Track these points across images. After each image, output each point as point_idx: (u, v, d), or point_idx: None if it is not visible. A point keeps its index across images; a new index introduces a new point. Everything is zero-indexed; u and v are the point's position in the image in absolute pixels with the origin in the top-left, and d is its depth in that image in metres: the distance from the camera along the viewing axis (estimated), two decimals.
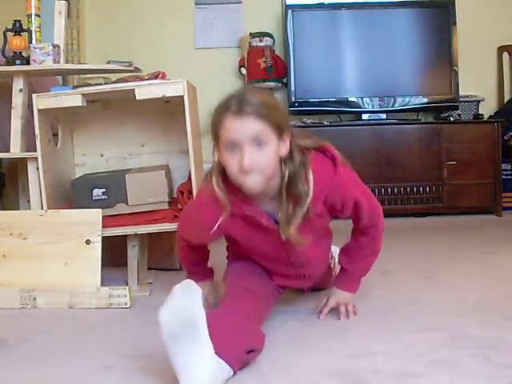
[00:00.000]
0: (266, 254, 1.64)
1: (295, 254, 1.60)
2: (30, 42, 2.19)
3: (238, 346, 1.31)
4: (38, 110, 2.05)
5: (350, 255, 1.72)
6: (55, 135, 2.24)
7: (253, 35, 4.08)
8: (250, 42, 4.08)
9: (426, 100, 3.96)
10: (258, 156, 1.38)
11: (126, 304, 1.90)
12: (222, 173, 1.47)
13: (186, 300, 1.23)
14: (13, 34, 2.19)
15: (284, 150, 1.45)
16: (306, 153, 1.49)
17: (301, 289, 1.83)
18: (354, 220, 1.66)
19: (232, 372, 1.28)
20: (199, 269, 1.84)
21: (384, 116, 3.94)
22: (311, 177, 1.46)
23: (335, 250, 1.87)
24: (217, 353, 1.24)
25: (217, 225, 1.49)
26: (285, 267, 1.67)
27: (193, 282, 1.29)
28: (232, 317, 1.39)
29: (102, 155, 2.40)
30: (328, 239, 1.78)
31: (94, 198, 2.10)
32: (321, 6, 3.97)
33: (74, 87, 2.12)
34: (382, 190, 3.81)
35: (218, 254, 1.87)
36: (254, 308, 1.52)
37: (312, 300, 1.87)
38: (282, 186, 1.47)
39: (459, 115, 4.04)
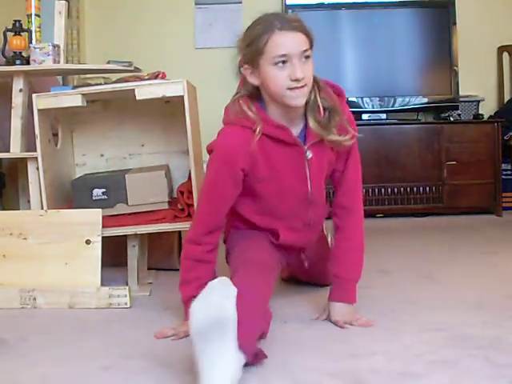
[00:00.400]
0: (287, 188, 1.63)
1: (312, 181, 1.63)
2: (30, 42, 2.19)
3: (253, 334, 1.30)
4: (38, 110, 2.05)
5: (338, 254, 1.71)
6: (55, 135, 2.24)
7: None
8: None
9: (426, 100, 3.97)
10: (306, 68, 1.48)
11: (125, 304, 1.90)
12: (250, 95, 1.56)
13: (222, 299, 1.20)
14: (13, 33, 2.19)
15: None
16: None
17: (301, 265, 1.85)
18: (341, 180, 1.70)
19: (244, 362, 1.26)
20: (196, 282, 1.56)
21: (384, 116, 3.94)
22: (334, 95, 1.60)
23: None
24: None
25: (254, 141, 1.50)
26: (298, 207, 1.67)
27: (228, 279, 1.25)
28: (247, 299, 1.33)
29: (102, 155, 2.40)
30: (326, 206, 1.80)
31: (94, 198, 2.10)
32: (321, 5, 3.97)
33: (74, 87, 2.12)
34: (382, 190, 3.81)
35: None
36: (265, 284, 1.51)
37: (312, 301, 1.87)
38: (315, 95, 1.56)
39: (459, 115, 4.04)
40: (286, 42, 1.45)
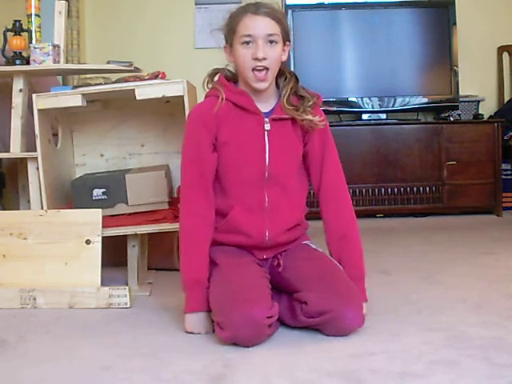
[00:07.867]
0: (244, 157, 1.67)
1: (272, 155, 1.67)
2: (30, 42, 2.19)
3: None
4: (38, 110, 2.05)
5: (335, 247, 1.71)
6: (55, 135, 2.24)
7: None
8: None
9: (425, 100, 3.97)
10: (269, 51, 1.59)
11: (126, 304, 1.90)
12: (230, 77, 1.70)
13: None
14: (13, 33, 2.19)
15: (284, 57, 1.67)
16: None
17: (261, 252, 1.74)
18: (321, 165, 1.71)
19: None
20: (202, 279, 1.63)
21: (384, 116, 3.94)
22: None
23: None
24: None
25: (218, 105, 1.63)
26: (254, 181, 1.67)
27: None
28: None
29: (102, 155, 2.40)
30: (301, 192, 1.76)
31: (94, 198, 2.10)
32: (321, 5, 3.97)
33: (74, 87, 2.12)
34: (382, 189, 3.81)
35: None
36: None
37: None
38: (289, 81, 1.67)
39: (459, 115, 4.04)
40: (254, 24, 1.59)
